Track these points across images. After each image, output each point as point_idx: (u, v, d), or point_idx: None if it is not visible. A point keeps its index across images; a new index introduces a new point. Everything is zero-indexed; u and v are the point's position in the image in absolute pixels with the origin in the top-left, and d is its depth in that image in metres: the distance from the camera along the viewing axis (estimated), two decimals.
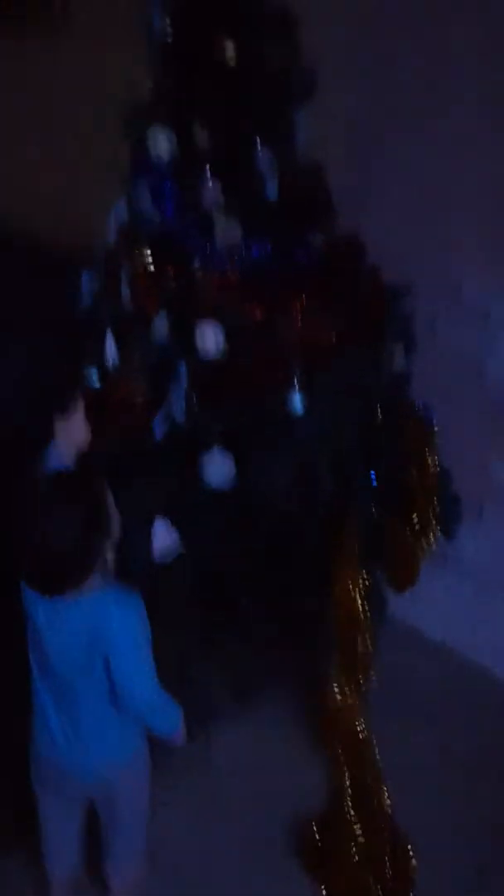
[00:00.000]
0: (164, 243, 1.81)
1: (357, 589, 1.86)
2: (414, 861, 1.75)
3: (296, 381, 1.77)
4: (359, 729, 1.81)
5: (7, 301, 2.36)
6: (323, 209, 1.89)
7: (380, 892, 1.67)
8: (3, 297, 2.38)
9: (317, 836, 1.80)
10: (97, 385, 1.88)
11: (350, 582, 1.87)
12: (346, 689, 1.81)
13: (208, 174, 1.73)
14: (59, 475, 1.44)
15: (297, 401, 1.77)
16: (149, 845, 1.61)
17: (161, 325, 1.79)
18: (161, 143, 1.77)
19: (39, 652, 1.41)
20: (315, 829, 1.81)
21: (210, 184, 1.73)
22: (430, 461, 2.08)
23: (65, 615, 1.36)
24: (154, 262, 1.83)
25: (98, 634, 1.34)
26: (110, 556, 1.38)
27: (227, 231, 1.72)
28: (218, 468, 1.74)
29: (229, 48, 1.74)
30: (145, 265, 1.84)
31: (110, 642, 1.34)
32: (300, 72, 1.84)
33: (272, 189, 1.76)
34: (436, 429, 2.09)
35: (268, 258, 1.80)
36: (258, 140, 1.74)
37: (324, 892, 1.70)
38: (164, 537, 1.83)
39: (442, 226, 2.20)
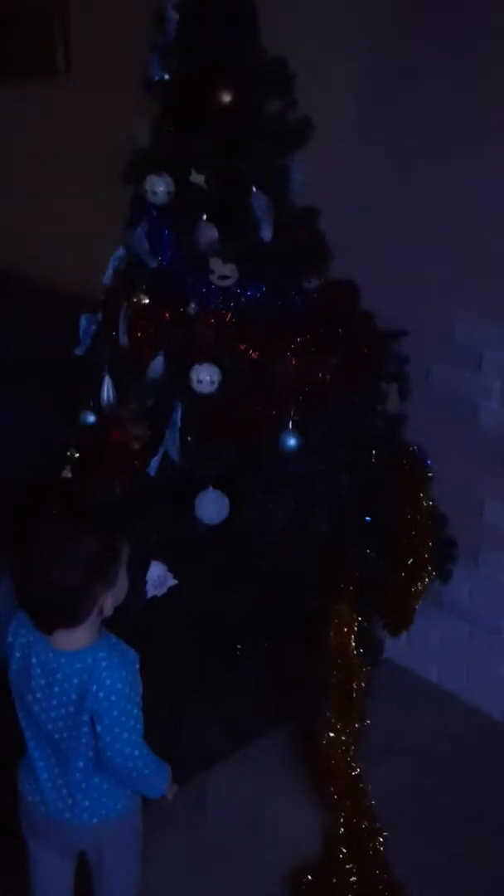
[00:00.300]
0: (161, 286, 1.85)
1: (352, 631, 1.86)
2: None
3: (290, 421, 1.79)
4: (353, 772, 1.78)
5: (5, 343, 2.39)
6: (318, 253, 1.92)
7: None
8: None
9: (311, 884, 1.76)
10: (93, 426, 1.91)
11: (345, 624, 1.86)
12: (341, 731, 1.79)
13: (204, 219, 1.77)
14: (75, 513, 1.43)
15: (291, 441, 1.78)
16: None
17: (157, 367, 1.81)
18: (159, 190, 1.81)
19: (29, 702, 1.39)
20: (310, 877, 1.77)
21: (206, 228, 1.77)
22: (425, 504, 2.09)
23: (56, 666, 1.34)
24: (151, 305, 1.87)
25: (86, 691, 1.31)
26: (109, 609, 1.36)
27: (222, 274, 1.75)
28: (212, 506, 1.74)
29: (227, 97, 1.79)
30: (142, 308, 1.87)
31: (97, 703, 1.30)
32: (297, 119, 1.89)
33: (267, 233, 1.79)
34: (431, 471, 2.11)
35: (263, 300, 1.83)
36: (254, 186, 1.78)
37: None
38: (159, 580, 1.82)
39: (436, 270, 2.23)
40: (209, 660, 1.95)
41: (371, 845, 1.78)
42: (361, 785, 1.82)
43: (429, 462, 2.12)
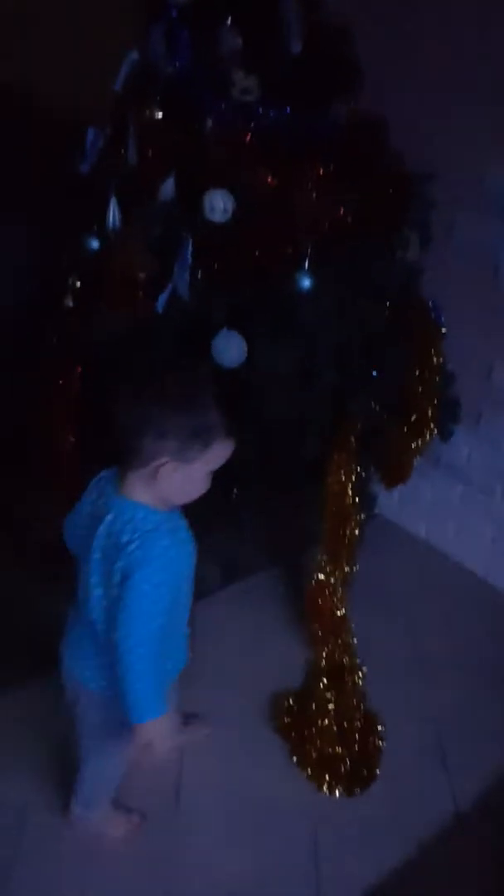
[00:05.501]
0: (176, 98, 1.70)
1: (349, 480, 1.86)
2: (382, 741, 1.82)
3: (306, 261, 1.70)
4: (339, 612, 1.84)
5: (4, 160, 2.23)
6: (348, 75, 1.76)
7: (348, 765, 1.74)
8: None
9: (292, 708, 1.86)
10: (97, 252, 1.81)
11: (343, 473, 1.86)
12: (331, 574, 1.84)
13: (229, 23, 1.60)
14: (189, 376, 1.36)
15: (305, 282, 1.70)
16: None
17: (168, 190, 1.69)
18: None
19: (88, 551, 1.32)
20: (291, 701, 1.87)
21: (230, 34, 1.60)
22: (434, 361, 2.04)
23: (112, 505, 1.29)
24: (164, 121, 1.72)
25: (126, 545, 1.25)
26: (166, 482, 1.27)
27: (243, 88, 1.60)
28: (232, 348, 1.69)
29: None
30: (154, 123, 1.73)
31: (130, 560, 1.24)
32: None
33: (296, 44, 1.62)
34: (443, 328, 2.04)
35: (286, 122, 1.69)
36: None
37: (294, 761, 1.77)
38: None
39: (473, 112, 2.06)
40: (205, 502, 1.97)
41: (350, 679, 1.87)
42: (346, 625, 1.88)
43: (442, 319, 2.05)
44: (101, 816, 1.60)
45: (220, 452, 1.30)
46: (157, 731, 1.27)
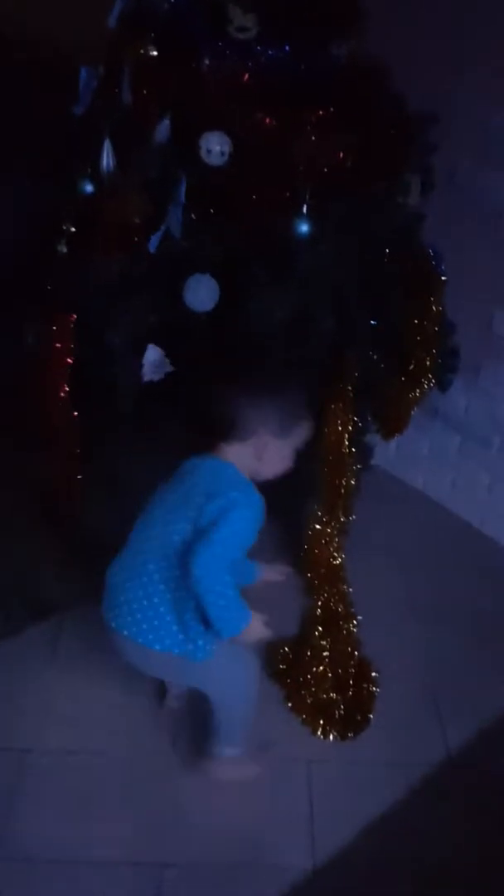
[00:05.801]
0: (171, 36, 1.64)
1: (346, 430, 1.86)
2: (376, 687, 1.85)
3: (304, 205, 1.66)
4: (335, 561, 1.86)
5: None
6: (349, 13, 1.70)
7: (342, 711, 1.78)
8: None
9: (287, 655, 1.89)
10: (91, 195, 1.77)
11: (340, 423, 1.85)
12: (327, 524, 1.84)
13: None
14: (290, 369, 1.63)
15: (303, 227, 1.67)
16: None
17: (163, 131, 1.65)
18: None
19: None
20: (286, 649, 1.90)
21: None
22: (434, 310, 2.01)
23: (201, 464, 1.47)
24: (159, 59, 1.67)
25: (223, 489, 1.40)
26: (266, 460, 1.46)
27: (241, 25, 1.55)
28: (201, 290, 1.66)
29: None
30: (149, 62, 1.67)
31: (227, 504, 1.37)
32: None
33: None
34: (444, 277, 2.01)
35: (284, 62, 1.63)
36: None
37: (289, 706, 1.80)
38: (156, 364, 1.79)
39: (477, 54, 2.00)
40: (199, 449, 1.97)
41: (345, 626, 1.90)
42: (341, 573, 1.90)
43: (442, 267, 2.02)
44: (242, 753, 1.64)
45: (306, 431, 1.52)
46: (251, 632, 1.42)
